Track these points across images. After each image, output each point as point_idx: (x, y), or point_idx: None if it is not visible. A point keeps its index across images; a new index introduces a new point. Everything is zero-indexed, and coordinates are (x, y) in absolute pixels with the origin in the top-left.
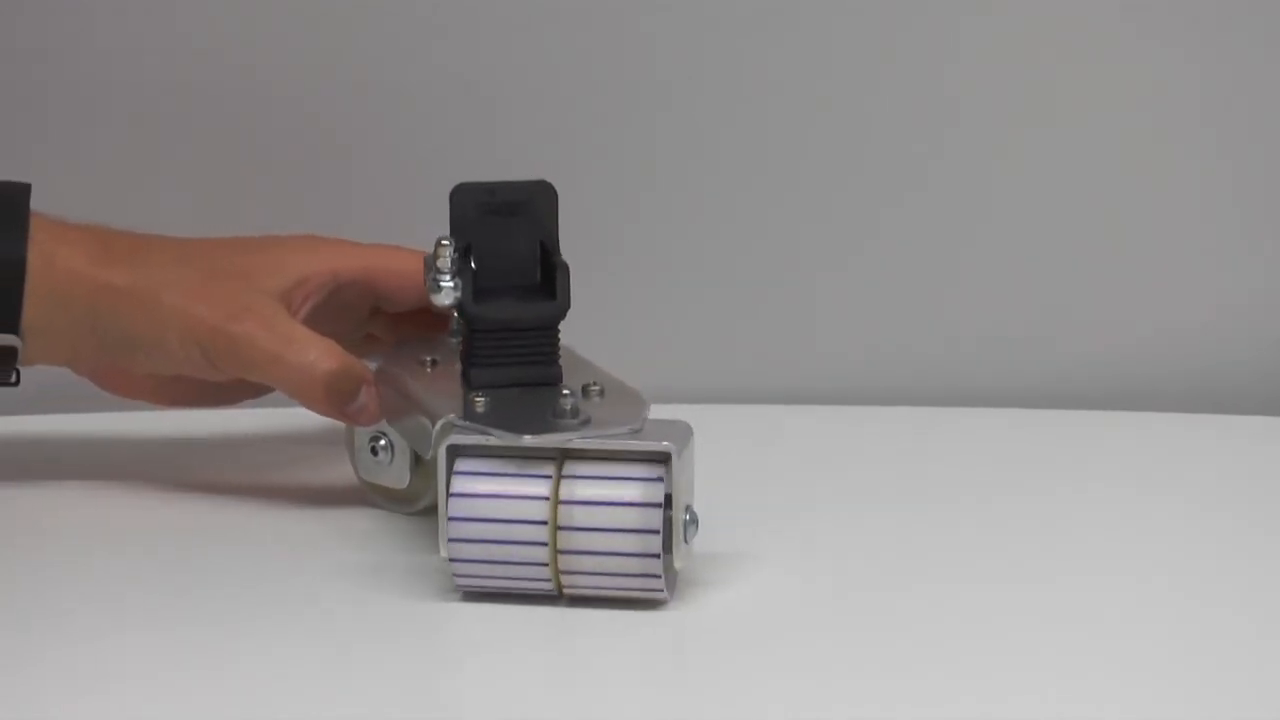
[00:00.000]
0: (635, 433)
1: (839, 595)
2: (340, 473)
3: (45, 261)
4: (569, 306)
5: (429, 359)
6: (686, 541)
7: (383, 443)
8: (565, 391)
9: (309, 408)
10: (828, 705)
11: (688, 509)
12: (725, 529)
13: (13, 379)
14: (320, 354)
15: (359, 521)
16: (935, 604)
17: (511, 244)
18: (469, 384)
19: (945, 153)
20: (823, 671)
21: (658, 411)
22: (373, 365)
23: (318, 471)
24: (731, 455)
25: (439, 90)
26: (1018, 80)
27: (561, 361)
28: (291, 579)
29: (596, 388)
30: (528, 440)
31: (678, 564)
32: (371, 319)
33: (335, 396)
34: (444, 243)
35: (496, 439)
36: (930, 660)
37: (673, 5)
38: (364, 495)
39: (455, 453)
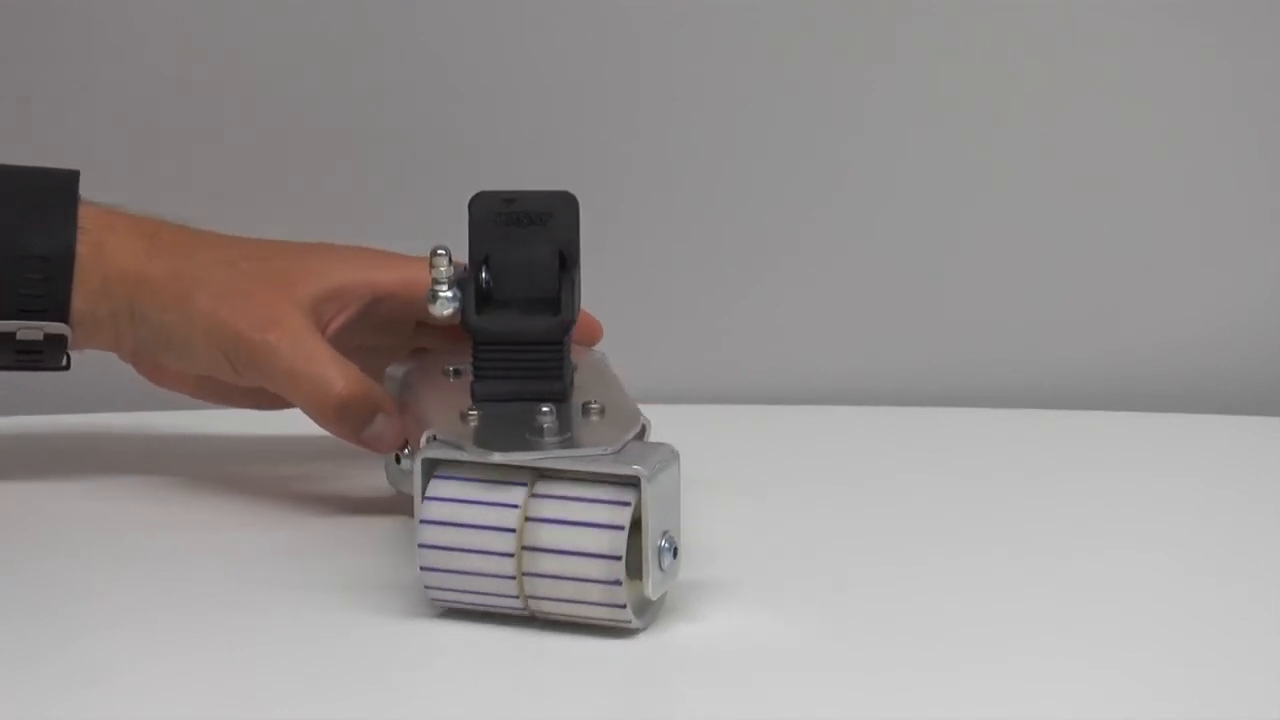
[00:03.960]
0: (613, 455)
1: (825, 629)
2: (348, 480)
3: (95, 250)
4: (574, 322)
5: (452, 369)
6: (662, 569)
7: (407, 451)
8: (544, 409)
9: (324, 428)
10: None
11: (665, 536)
12: (721, 544)
13: (64, 363)
14: (338, 375)
15: (376, 531)
16: (933, 613)
17: (528, 255)
18: (473, 396)
19: (946, 152)
20: (797, 708)
21: (658, 413)
22: (401, 370)
23: (324, 478)
24: (732, 456)
25: (460, 96)
26: (1020, 79)
27: (583, 375)
28: (267, 589)
29: (596, 406)
30: (496, 458)
31: (650, 592)
32: (419, 332)
33: (348, 420)
34: (439, 252)
35: (469, 455)
36: (926, 672)
37: (668, 13)
38: (366, 504)
39: (430, 467)
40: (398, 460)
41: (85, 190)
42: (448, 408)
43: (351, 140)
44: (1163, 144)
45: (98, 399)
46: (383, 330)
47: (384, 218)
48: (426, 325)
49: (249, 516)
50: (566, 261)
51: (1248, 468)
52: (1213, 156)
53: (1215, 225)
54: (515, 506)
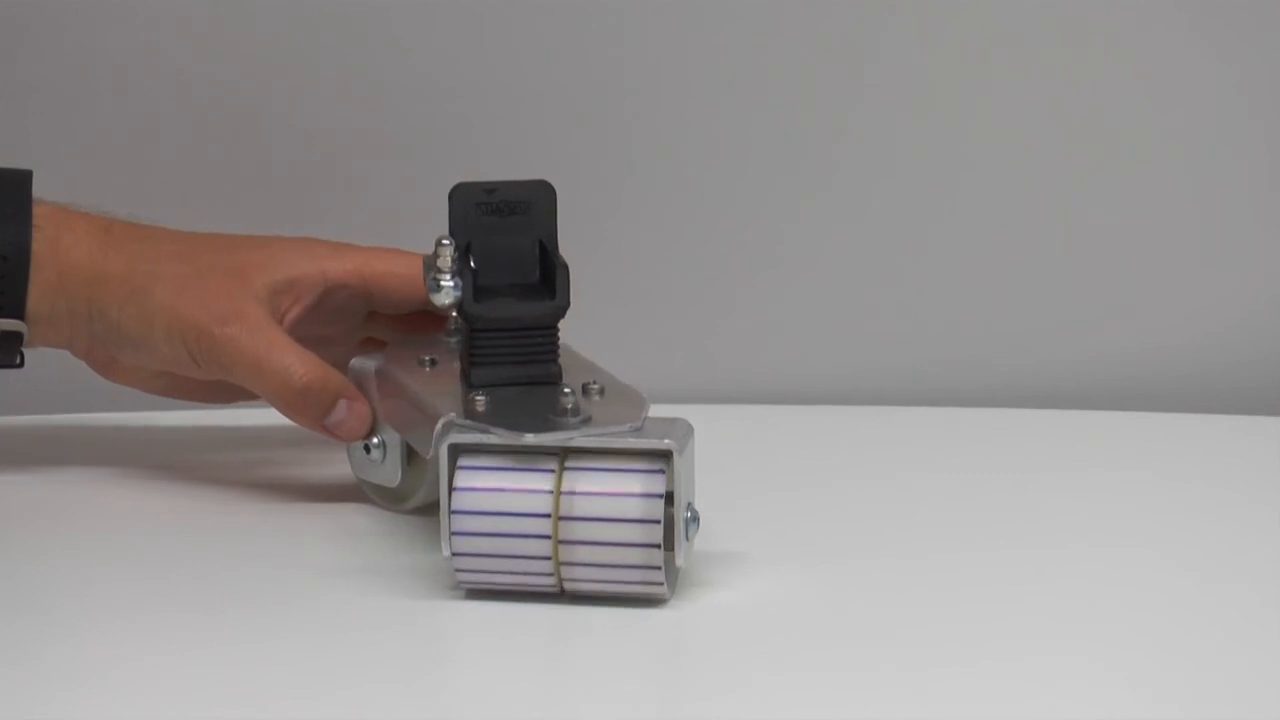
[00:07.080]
0: (636, 431)
1: (838, 597)
2: (340, 471)
3: (50, 248)
4: (568, 305)
5: (428, 358)
6: (688, 539)
7: (375, 441)
8: (566, 390)
9: (289, 417)
10: (825, 706)
11: (689, 507)
12: (726, 529)
13: (17, 361)
14: (298, 363)
15: (359, 520)
16: (934, 607)
17: (511, 243)
18: (469, 383)
19: (945, 152)
20: (820, 672)
21: (657, 411)
22: (373, 364)
23: (319, 469)
24: (731, 455)
25: (438, 89)
26: (1018, 79)
27: (561, 360)
28: (290, 577)
29: (596, 386)
30: (529, 439)
31: (679, 562)
32: (369, 322)
33: (310, 407)
34: (444, 242)
35: (498, 438)
36: (929, 662)
37: (666, 15)
38: (362, 493)
39: (457, 451)
40: (367, 450)
41: (44, 191)
42: (445, 395)
43: (328, 132)
44: (1163, 144)
45: (90, 398)
46: (334, 319)
47: (363, 211)
48: (377, 314)
49: (249, 509)
50: (547, 248)
51: (1248, 468)
52: (1214, 157)
53: (1215, 225)
54: (549, 485)
